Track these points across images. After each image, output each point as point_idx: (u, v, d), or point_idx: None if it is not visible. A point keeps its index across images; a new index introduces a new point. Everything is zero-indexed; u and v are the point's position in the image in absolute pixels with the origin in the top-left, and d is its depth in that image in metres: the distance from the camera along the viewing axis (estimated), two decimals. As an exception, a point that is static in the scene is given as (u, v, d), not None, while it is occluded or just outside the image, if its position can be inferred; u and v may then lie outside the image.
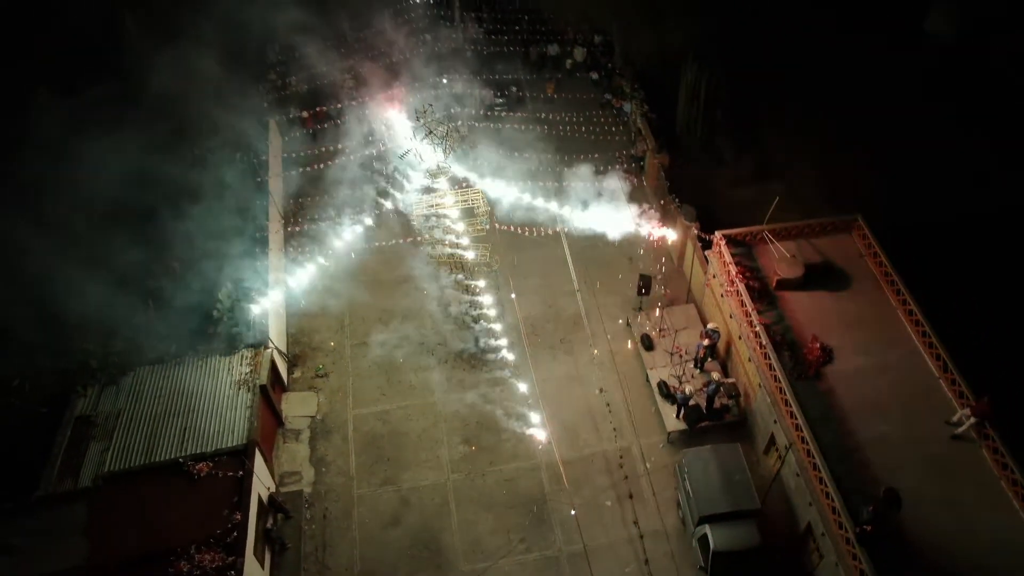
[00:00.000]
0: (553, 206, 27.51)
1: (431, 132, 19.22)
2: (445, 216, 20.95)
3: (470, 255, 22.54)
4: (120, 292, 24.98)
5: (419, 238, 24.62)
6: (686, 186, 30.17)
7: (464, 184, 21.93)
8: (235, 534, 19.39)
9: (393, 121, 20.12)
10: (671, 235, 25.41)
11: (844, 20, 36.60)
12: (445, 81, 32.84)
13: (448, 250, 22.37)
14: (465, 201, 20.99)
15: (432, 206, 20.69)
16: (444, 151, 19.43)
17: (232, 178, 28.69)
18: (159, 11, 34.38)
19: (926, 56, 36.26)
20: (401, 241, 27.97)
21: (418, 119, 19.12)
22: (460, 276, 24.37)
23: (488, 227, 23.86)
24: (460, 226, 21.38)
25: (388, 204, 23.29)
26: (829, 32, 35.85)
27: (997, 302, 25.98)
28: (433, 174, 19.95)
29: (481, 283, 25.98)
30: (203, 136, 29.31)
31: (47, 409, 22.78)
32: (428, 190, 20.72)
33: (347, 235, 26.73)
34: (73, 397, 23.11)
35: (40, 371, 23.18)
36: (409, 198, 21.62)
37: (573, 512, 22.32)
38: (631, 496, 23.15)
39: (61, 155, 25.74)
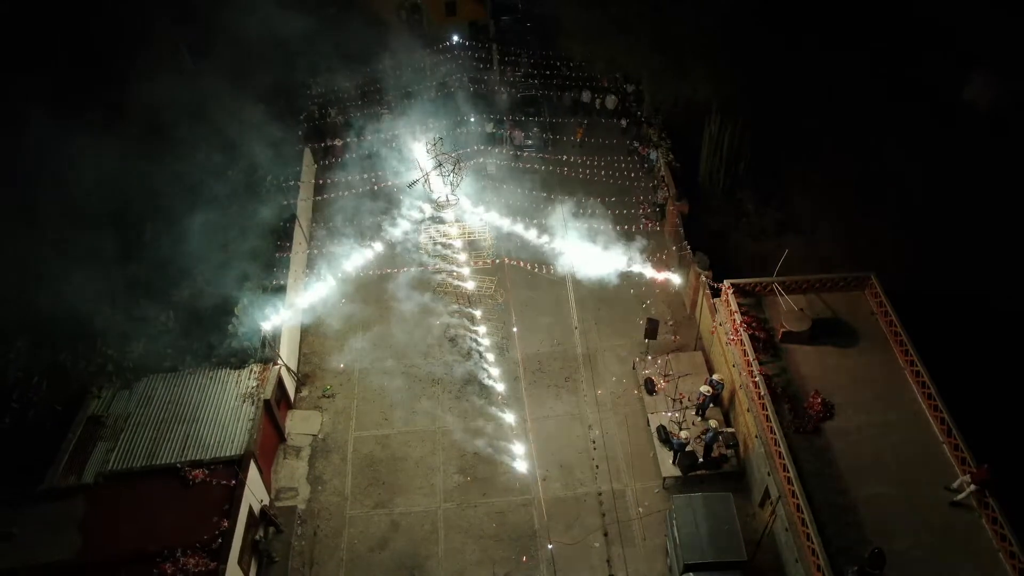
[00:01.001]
0: (569, 246, 27.93)
1: (441, 164, 19.89)
2: (450, 247, 21.50)
3: (473, 286, 22.99)
4: (144, 302, 26.23)
5: (429, 267, 25.24)
6: (705, 236, 30.33)
7: (471, 217, 22.48)
8: (221, 541, 19.82)
9: (418, 154, 20.85)
10: (675, 279, 25.50)
11: (883, 86, 36.67)
12: (472, 120, 33.77)
13: (455, 281, 22.88)
14: (471, 234, 21.54)
15: (440, 236, 21.29)
16: (452, 184, 20.07)
17: (261, 199, 29.94)
18: (214, 46, 36.49)
19: (962, 126, 35.98)
20: (415, 269, 28.63)
21: (428, 152, 19.82)
22: (467, 308, 24.79)
23: (494, 259, 24.36)
24: (464, 257, 21.89)
25: (399, 233, 23.91)
26: (867, 97, 35.90)
27: (1009, 375, 25.24)
28: (441, 205, 20.57)
29: (487, 316, 26.48)
30: (238, 159, 30.67)
31: (61, 407, 23.76)
32: (436, 220, 21.34)
33: (365, 261, 27.48)
34: (88, 398, 24.05)
35: (60, 371, 24.26)
36: (418, 227, 22.29)
37: (551, 546, 22.22)
38: (620, 539, 22.94)
39: (99, 169, 27.19)
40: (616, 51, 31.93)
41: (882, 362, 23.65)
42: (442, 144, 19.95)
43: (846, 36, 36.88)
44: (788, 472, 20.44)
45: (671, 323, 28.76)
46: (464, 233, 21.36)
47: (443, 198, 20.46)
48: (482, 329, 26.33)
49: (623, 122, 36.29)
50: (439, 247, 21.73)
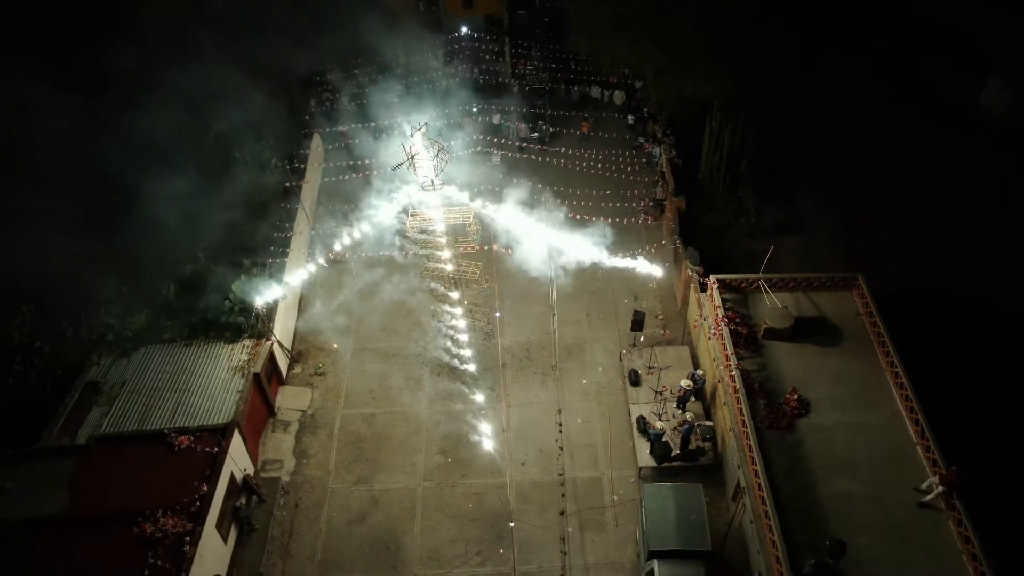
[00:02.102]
0: (563, 237, 28.20)
1: (426, 148, 20.35)
2: (433, 231, 21.97)
3: (457, 271, 23.44)
4: (147, 274, 27.17)
5: (412, 252, 25.82)
6: (703, 232, 30.52)
7: (458, 203, 22.89)
8: (200, 504, 20.58)
9: (405, 139, 21.28)
10: (657, 272, 25.71)
11: (892, 86, 36.49)
12: (475, 110, 34.22)
13: (438, 265, 23.36)
14: (456, 218, 21.95)
15: (423, 221, 21.76)
16: (436, 168, 20.50)
17: (267, 180, 30.79)
18: (232, 34, 37.47)
19: (977, 130, 35.57)
20: (409, 253, 29.22)
21: (411, 135, 20.32)
22: (452, 293, 25.24)
23: (481, 245, 24.78)
24: (444, 241, 22.35)
25: (389, 216, 24.44)
26: (871, 96, 35.77)
27: (998, 376, 25.11)
28: (425, 188, 21.03)
29: (476, 303, 26.92)
30: (246, 139, 31.57)
31: (62, 372, 24.76)
32: (420, 204, 21.79)
33: (361, 243, 28.05)
34: (87, 365, 25.03)
35: (63, 337, 25.26)
36: (405, 211, 22.77)
37: (512, 524, 22.74)
38: (593, 525, 23.28)
39: (119, 146, 28.18)
40: (619, 47, 32.10)
41: (864, 362, 23.64)
42: (427, 129, 20.39)
43: (847, 34, 36.71)
44: (756, 465, 20.62)
45: (661, 317, 28.98)
46: (449, 218, 21.79)
47: (428, 182, 20.92)
48: (470, 316, 26.73)
49: (630, 118, 36.51)
50: (423, 233, 22.19)
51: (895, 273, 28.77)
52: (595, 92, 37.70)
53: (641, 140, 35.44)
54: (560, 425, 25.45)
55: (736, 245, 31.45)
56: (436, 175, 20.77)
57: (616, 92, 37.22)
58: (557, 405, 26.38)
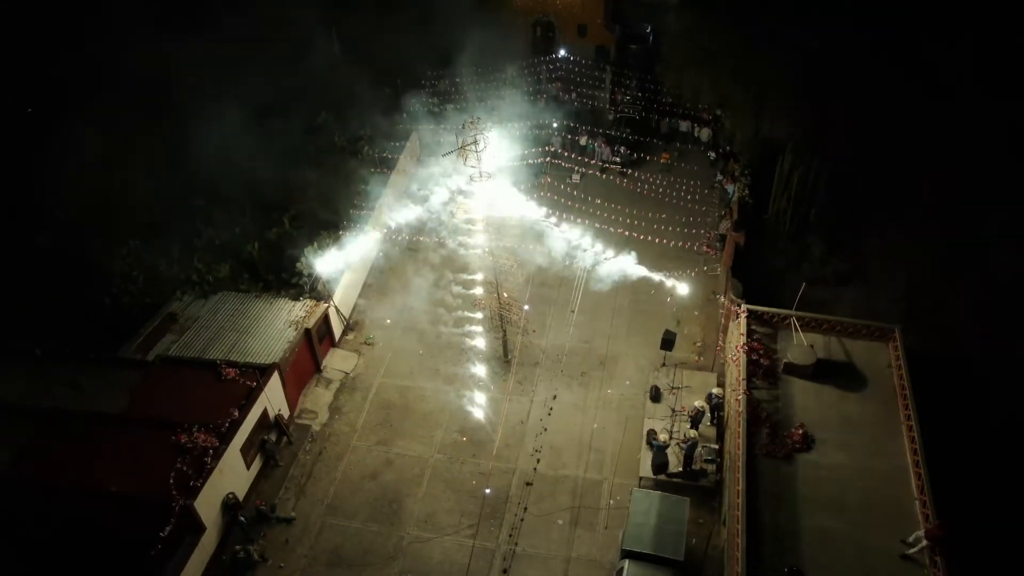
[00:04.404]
0: (621, 257, 29.21)
1: (475, 141, 22.30)
2: (473, 222, 23.84)
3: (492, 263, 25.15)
4: (238, 232, 30.68)
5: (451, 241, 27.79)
6: (762, 272, 30.60)
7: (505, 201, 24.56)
8: (229, 427, 23.20)
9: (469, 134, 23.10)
10: (682, 290, 26.30)
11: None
12: (555, 126, 36.02)
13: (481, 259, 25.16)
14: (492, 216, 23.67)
15: (463, 212, 23.69)
16: (479, 160, 22.37)
17: (360, 164, 33.93)
18: (361, 33, 41.45)
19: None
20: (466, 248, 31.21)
21: (464, 127, 22.31)
22: (502, 292, 26.99)
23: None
24: (482, 239, 24.16)
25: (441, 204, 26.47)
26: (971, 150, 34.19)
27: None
28: (473, 179, 22.97)
29: (524, 303, 28.53)
30: (350, 127, 35.04)
31: (150, 301, 28.45)
32: (465, 194, 23.71)
33: (422, 230, 30.43)
34: (171, 298, 28.61)
35: (157, 272, 29.01)
36: (451, 200, 24.78)
37: (488, 490, 24.41)
38: (584, 523, 24.05)
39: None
40: (702, 81, 33.03)
41: (881, 413, 23.28)
42: (479, 123, 22.31)
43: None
44: (739, 486, 20.88)
45: (698, 344, 29.42)
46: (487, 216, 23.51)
47: (476, 173, 22.85)
48: (517, 314, 28.36)
49: (711, 154, 37.19)
50: (464, 224, 24.09)
51: (952, 339, 27.81)
52: (684, 126, 38.67)
53: (720, 177, 36.01)
54: (542, 427, 26.37)
55: (793, 289, 31.27)
56: (479, 168, 22.65)
57: (704, 129, 38.04)
58: (578, 409, 27.41)
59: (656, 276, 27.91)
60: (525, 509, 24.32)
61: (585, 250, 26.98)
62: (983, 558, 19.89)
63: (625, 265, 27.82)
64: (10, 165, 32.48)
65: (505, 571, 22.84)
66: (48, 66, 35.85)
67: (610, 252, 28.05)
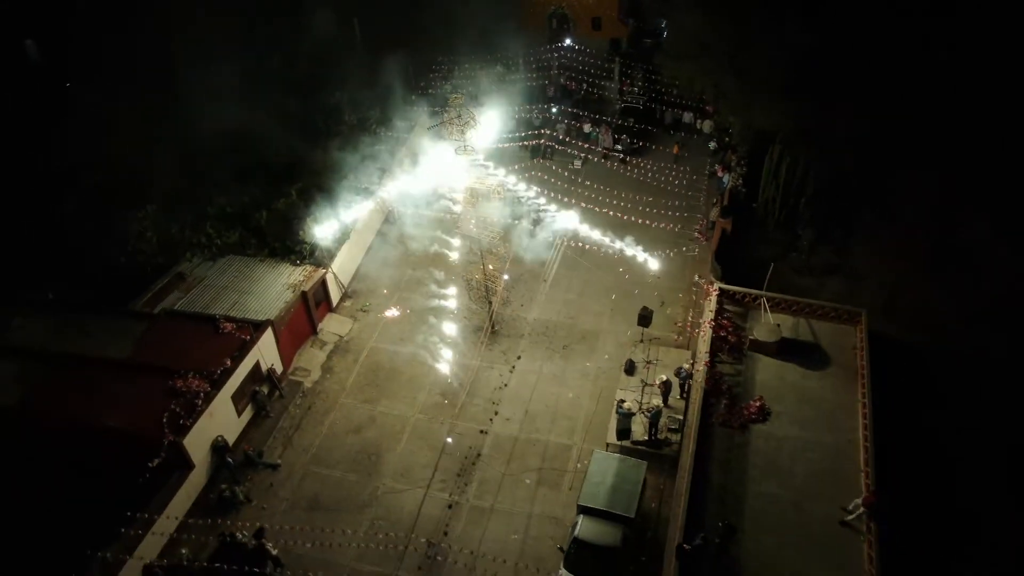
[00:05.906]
0: (611, 237, 30.20)
1: (459, 115, 23.63)
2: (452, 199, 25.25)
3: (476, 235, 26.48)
4: (247, 201, 32.54)
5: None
6: (750, 260, 31.41)
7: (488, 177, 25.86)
8: (221, 375, 24.94)
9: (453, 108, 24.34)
10: (654, 265, 27.19)
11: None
12: (554, 110, 37.18)
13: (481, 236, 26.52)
14: (484, 186, 24.97)
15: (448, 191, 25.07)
16: (464, 132, 23.69)
17: (369, 141, 35.62)
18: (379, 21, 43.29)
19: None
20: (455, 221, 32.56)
21: (448, 100, 23.66)
22: (490, 267, 28.31)
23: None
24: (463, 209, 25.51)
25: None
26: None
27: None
28: (457, 152, 24.30)
29: (516, 279, 29.79)
30: (360, 106, 36.86)
31: (162, 260, 30.45)
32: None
33: (433, 207, 31.98)
34: (181, 259, 30.56)
35: (171, 234, 30.99)
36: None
37: (449, 439, 26.04)
38: (549, 483, 25.25)
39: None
40: (696, 71, 33.90)
41: (839, 391, 24.10)
42: (463, 98, 23.64)
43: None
44: (689, 449, 21.91)
45: (679, 324, 30.34)
46: (477, 184, 24.82)
47: (459, 147, 24.20)
48: (507, 288, 29.68)
49: (711, 145, 38.04)
50: (450, 196, 25.47)
51: (929, 331, 28.29)
52: (687, 118, 39.57)
53: (716, 167, 36.85)
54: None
55: (779, 278, 31.98)
56: (463, 139, 23.98)
57: (706, 121, 38.91)
58: (555, 379, 28.58)
59: (617, 243, 27.63)
60: (497, 470, 25.60)
61: (525, 202, 27.13)
62: (916, 526, 20.55)
63: (569, 222, 27.82)
64: (41, 133, 34.91)
65: (472, 522, 24.18)
66: (88, 45, 38.42)
67: (552, 207, 28.44)
